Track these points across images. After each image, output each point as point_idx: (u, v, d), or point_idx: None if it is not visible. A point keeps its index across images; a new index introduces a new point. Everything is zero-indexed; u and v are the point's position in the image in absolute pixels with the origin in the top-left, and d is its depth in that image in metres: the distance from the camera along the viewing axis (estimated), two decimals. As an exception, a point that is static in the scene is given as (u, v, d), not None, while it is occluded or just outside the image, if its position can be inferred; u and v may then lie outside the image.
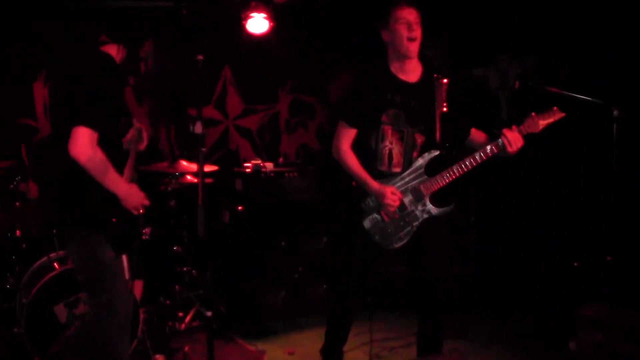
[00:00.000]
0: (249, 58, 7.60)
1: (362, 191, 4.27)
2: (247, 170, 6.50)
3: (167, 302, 5.91)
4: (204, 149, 3.85)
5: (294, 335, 5.93)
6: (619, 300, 5.12)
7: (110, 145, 3.65)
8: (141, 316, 5.07)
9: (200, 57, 3.92)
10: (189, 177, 5.93)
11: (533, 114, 4.08)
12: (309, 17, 7.63)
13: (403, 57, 4.22)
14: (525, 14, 7.05)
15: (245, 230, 6.32)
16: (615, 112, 4.82)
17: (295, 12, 7.43)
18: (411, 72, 4.28)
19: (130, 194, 3.77)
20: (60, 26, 6.49)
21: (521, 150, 4.10)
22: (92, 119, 3.47)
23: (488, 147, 4.07)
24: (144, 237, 5.54)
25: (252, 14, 6.90)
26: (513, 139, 4.00)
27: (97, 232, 3.71)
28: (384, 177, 4.25)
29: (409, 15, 4.16)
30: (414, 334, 4.66)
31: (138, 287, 5.30)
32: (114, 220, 3.76)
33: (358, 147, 4.33)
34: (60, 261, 5.11)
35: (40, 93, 6.49)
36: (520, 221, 7.23)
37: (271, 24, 6.96)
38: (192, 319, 5.89)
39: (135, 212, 3.88)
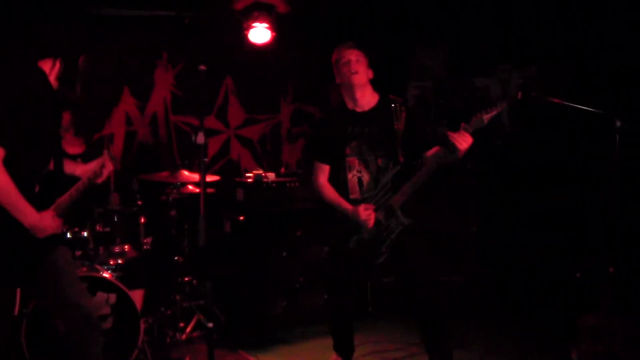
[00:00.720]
0: (251, 68, 7.63)
1: (344, 216, 4.52)
2: (249, 180, 6.50)
3: (168, 312, 5.90)
4: (206, 159, 3.84)
5: (295, 345, 5.91)
6: (619, 310, 5.11)
7: (25, 166, 3.40)
8: (142, 326, 5.06)
9: (202, 67, 3.92)
10: (190, 187, 5.93)
11: (477, 113, 4.18)
12: (311, 27, 7.65)
13: (351, 88, 4.54)
14: (525, 23, 7.06)
15: (247, 239, 6.31)
16: (618, 123, 4.82)
17: (297, 22, 7.46)
18: (365, 102, 4.57)
19: (38, 225, 3.41)
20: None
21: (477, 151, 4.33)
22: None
23: (440, 151, 4.22)
24: (145, 246, 5.55)
25: (255, 24, 6.93)
26: (460, 138, 4.07)
27: None
28: (358, 203, 4.49)
29: (349, 55, 4.53)
30: (415, 345, 4.67)
31: (138, 296, 5.28)
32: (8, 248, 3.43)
33: (333, 179, 4.65)
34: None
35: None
36: (521, 230, 7.22)
37: (273, 34, 6.99)
38: (193, 329, 5.88)
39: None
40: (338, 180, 4.60)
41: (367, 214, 4.39)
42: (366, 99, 4.55)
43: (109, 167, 3.79)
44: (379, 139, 4.48)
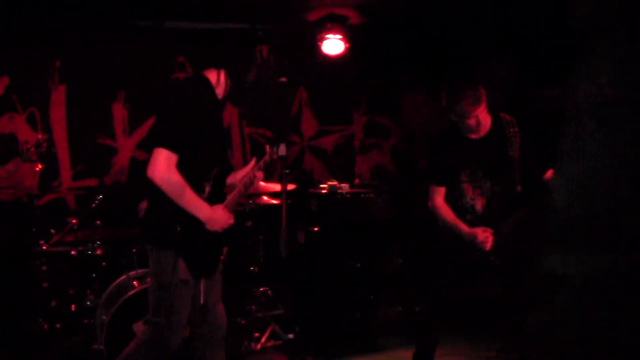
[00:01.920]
0: (324, 79, 7.64)
1: (453, 235, 4.59)
2: (323, 191, 6.50)
3: (243, 321, 5.93)
4: (287, 171, 3.88)
5: (368, 357, 5.88)
6: None
7: (196, 169, 3.65)
8: (218, 335, 5.10)
9: (283, 79, 3.97)
10: (265, 197, 5.96)
11: None
12: (383, 38, 7.63)
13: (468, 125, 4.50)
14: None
15: (320, 251, 6.31)
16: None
17: (370, 33, 7.45)
18: (481, 128, 4.51)
19: (212, 217, 3.68)
20: (139, 47, 6.65)
21: None
22: (171, 141, 3.51)
23: None
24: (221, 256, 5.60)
25: (328, 36, 6.94)
26: None
27: (171, 253, 3.66)
28: (473, 224, 4.55)
29: (476, 112, 4.39)
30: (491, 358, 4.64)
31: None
32: (190, 242, 3.70)
33: (448, 200, 4.69)
34: (140, 279, 5.17)
35: (119, 113, 6.66)
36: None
37: (346, 45, 6.99)
38: (268, 339, 5.89)
39: (220, 231, 3.79)
40: (452, 202, 4.66)
41: (485, 236, 4.46)
42: (481, 125, 4.50)
43: (260, 177, 3.99)
44: (494, 166, 4.53)
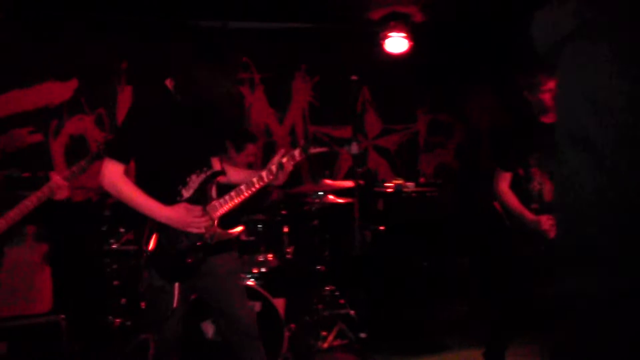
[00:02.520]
0: (387, 78, 7.60)
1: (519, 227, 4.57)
2: (389, 190, 6.47)
3: (310, 320, 5.93)
4: (359, 169, 3.86)
5: (435, 357, 5.83)
6: None
7: (165, 175, 3.68)
8: (286, 334, 5.12)
9: (354, 77, 3.96)
10: (331, 196, 5.94)
11: None
12: (447, 35, 7.57)
13: (547, 109, 4.50)
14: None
15: (386, 250, 6.28)
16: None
17: (433, 31, 7.39)
18: (552, 108, 4.46)
19: (170, 217, 3.60)
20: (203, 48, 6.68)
21: None
22: (115, 151, 3.62)
23: None
24: (287, 255, 5.61)
25: (391, 34, 6.91)
26: None
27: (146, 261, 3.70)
28: (538, 213, 4.49)
29: (549, 80, 4.41)
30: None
31: (280, 305, 5.33)
32: (157, 245, 3.65)
33: (513, 187, 4.66)
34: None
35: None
36: None
37: (410, 43, 6.95)
38: (335, 338, 5.88)
39: (198, 232, 3.68)
40: (518, 189, 4.62)
41: (549, 224, 4.39)
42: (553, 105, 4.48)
43: (289, 169, 3.93)
44: None
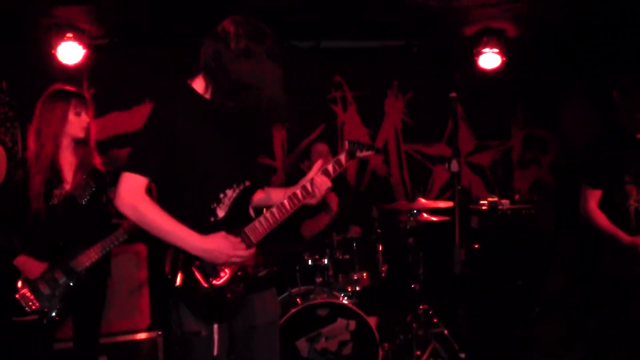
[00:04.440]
0: (480, 93, 7.52)
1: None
2: (483, 207, 6.39)
3: (404, 339, 5.90)
4: (459, 187, 3.79)
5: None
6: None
7: (195, 192, 3.10)
8: (380, 352, 5.11)
9: (453, 94, 3.91)
10: (425, 214, 5.91)
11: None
12: (540, 50, 7.44)
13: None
14: None
15: (482, 268, 6.20)
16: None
17: (526, 46, 7.29)
18: None
19: (204, 249, 3.01)
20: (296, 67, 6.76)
21: None
22: (136, 163, 2.98)
23: None
24: (382, 274, 5.59)
25: (484, 50, 6.84)
26: None
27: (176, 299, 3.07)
28: (636, 233, 4.32)
29: None
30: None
31: (372, 323, 5.32)
32: (177, 280, 3.03)
33: (605, 206, 4.46)
34: (302, 297, 5.23)
35: (279, 134, 6.82)
36: None
37: (503, 58, 6.87)
38: (429, 357, 5.83)
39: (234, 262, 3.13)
40: (611, 207, 4.44)
41: None
42: None
43: (325, 184, 3.40)
44: None
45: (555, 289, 6.34)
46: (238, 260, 3.10)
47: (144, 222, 2.94)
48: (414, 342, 5.83)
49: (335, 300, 5.16)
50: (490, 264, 6.21)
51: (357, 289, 5.46)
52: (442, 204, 5.72)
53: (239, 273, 3.16)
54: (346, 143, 3.53)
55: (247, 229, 3.18)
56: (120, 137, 6.56)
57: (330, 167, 3.43)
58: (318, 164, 3.47)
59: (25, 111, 6.40)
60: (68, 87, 4.41)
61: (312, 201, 3.41)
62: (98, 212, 4.36)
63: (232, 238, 3.08)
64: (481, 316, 6.18)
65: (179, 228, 2.95)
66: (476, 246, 6.21)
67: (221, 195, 3.13)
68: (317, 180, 3.37)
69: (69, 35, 6.09)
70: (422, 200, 5.80)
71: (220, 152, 3.13)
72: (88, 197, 4.29)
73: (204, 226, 3.05)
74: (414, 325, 5.88)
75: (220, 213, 3.13)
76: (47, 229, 4.20)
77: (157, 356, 5.50)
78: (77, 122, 4.27)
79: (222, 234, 3.04)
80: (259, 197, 3.46)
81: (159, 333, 5.51)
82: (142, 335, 5.52)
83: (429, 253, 6.04)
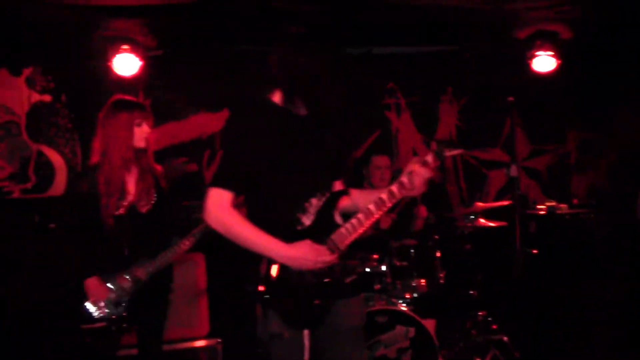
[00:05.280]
0: (536, 98, 7.43)
1: None
2: (541, 212, 6.32)
3: (464, 346, 5.85)
4: (519, 192, 3.73)
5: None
6: None
7: (279, 202, 3.16)
8: (439, 359, 5.07)
9: (511, 98, 3.85)
10: (482, 220, 5.86)
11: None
12: (595, 52, 7.34)
13: None
14: None
15: (540, 273, 6.12)
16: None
17: (581, 48, 7.20)
18: None
19: (289, 257, 3.05)
20: (350, 75, 6.76)
21: None
22: (221, 178, 3.11)
23: None
24: (440, 280, 5.56)
25: (538, 53, 6.78)
26: None
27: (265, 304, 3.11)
28: None
29: None
30: None
31: (431, 330, 5.28)
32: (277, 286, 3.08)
33: None
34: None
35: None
36: None
37: (558, 61, 6.79)
38: (488, 365, 5.78)
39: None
40: None
41: None
42: None
43: (425, 174, 3.18)
44: None
45: (613, 295, 6.22)
46: (323, 266, 3.10)
47: (231, 234, 3.06)
48: (473, 349, 5.79)
49: (394, 307, 5.15)
50: (549, 269, 6.12)
51: (415, 295, 5.44)
52: (500, 204, 5.67)
53: (326, 280, 3.16)
54: (433, 144, 3.44)
55: (333, 236, 3.16)
56: (177, 146, 6.66)
57: (430, 158, 3.20)
58: (412, 162, 3.26)
59: (84, 123, 6.58)
60: (128, 98, 4.49)
61: (413, 193, 3.27)
62: (160, 221, 4.41)
63: (316, 245, 3.09)
64: (541, 322, 6.09)
65: (264, 238, 3.04)
66: (534, 251, 6.11)
67: (306, 205, 3.19)
68: (417, 169, 3.18)
69: (125, 47, 6.20)
70: (479, 204, 5.76)
71: (304, 162, 3.19)
72: (150, 207, 4.35)
73: (291, 235, 3.10)
74: (473, 331, 5.84)
75: (306, 221, 3.18)
76: (112, 239, 4.28)
77: (216, 364, 5.55)
78: (139, 133, 4.34)
79: (307, 241, 3.07)
80: (344, 203, 3.39)
81: (219, 341, 5.55)
82: (201, 343, 5.56)
83: (487, 258, 5.98)
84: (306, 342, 3.06)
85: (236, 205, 3.11)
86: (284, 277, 3.07)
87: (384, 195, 3.20)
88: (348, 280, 3.24)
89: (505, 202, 5.65)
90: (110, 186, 4.23)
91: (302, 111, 3.15)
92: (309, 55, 3.07)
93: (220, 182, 3.08)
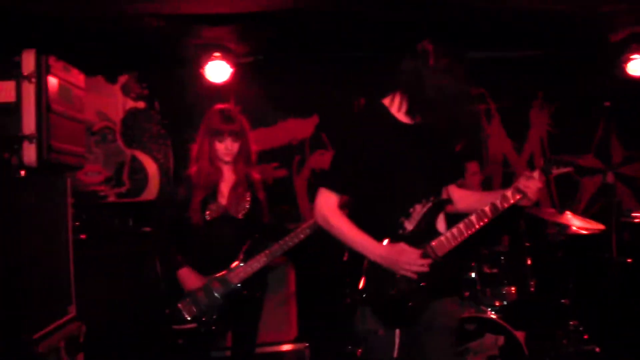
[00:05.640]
0: (631, 102, 7.24)
1: None
2: (636, 220, 6.15)
3: (554, 356, 5.73)
4: (617, 199, 3.64)
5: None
6: None
7: (384, 206, 3.30)
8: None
9: (607, 103, 3.76)
10: (574, 227, 5.74)
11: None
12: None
13: None
14: None
15: (634, 283, 5.98)
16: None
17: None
18: None
19: (385, 257, 3.20)
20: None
21: None
22: (329, 180, 3.33)
23: None
24: (530, 288, 5.48)
25: (633, 56, 6.61)
26: None
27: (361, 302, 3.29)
28: None
29: None
30: None
31: (520, 338, 5.20)
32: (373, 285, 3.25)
33: None
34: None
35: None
36: None
37: (653, 65, 6.62)
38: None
39: (411, 276, 3.19)
40: None
41: None
42: None
43: (535, 184, 3.30)
44: None
45: None
46: (413, 268, 3.19)
47: (333, 231, 3.28)
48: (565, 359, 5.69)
49: (482, 315, 5.10)
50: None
51: (505, 303, 5.38)
52: (592, 225, 5.54)
53: (422, 284, 3.24)
54: (542, 161, 3.50)
55: (433, 243, 3.28)
56: (267, 152, 6.75)
57: (536, 174, 3.34)
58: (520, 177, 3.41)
59: (176, 128, 6.76)
60: (222, 110, 4.51)
61: (527, 203, 3.39)
62: (254, 227, 4.48)
63: (410, 249, 3.20)
64: (634, 333, 5.93)
65: (362, 237, 3.22)
66: (629, 260, 5.97)
67: (410, 210, 3.30)
68: (524, 182, 3.32)
69: (217, 54, 6.32)
70: (570, 214, 5.65)
71: (411, 170, 3.30)
72: (244, 212, 4.42)
73: (392, 238, 3.25)
74: (564, 341, 5.72)
75: (409, 226, 3.29)
76: (204, 243, 4.38)
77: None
78: (223, 150, 4.41)
79: (402, 245, 3.21)
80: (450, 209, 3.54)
81: (306, 345, 5.60)
82: (289, 347, 5.62)
83: (580, 267, 5.86)
84: (397, 340, 3.21)
85: (342, 205, 3.31)
86: (379, 281, 3.23)
87: (487, 208, 3.31)
88: (444, 282, 3.33)
89: (598, 225, 5.51)
90: (203, 192, 4.33)
91: (416, 118, 3.26)
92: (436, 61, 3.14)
93: (328, 183, 3.30)
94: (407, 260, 3.17)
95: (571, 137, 7.15)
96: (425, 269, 3.21)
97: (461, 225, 3.30)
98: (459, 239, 3.30)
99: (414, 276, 3.19)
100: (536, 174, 3.34)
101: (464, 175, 5.73)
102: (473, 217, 3.31)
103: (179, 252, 4.36)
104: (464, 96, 3.25)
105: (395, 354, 3.20)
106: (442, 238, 3.29)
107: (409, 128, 3.29)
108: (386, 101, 3.35)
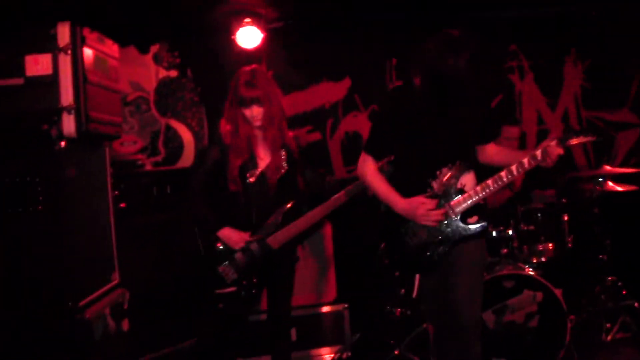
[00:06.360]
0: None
1: None
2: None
3: (592, 312, 5.74)
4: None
5: None
6: None
7: (413, 169, 3.93)
8: (568, 325, 5.00)
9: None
10: (610, 183, 5.70)
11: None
12: None
13: None
14: None
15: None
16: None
17: None
18: None
19: (405, 209, 3.84)
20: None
21: None
22: (367, 145, 4.07)
23: None
24: (568, 244, 5.46)
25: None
26: None
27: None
28: None
29: None
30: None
31: (559, 295, 5.19)
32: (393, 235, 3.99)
33: None
34: (487, 269, 5.15)
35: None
36: None
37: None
38: (618, 331, 5.65)
39: (431, 225, 3.81)
40: None
41: None
42: None
43: (554, 151, 3.68)
44: None
45: None
46: (426, 221, 3.79)
47: (370, 187, 4.08)
48: (603, 315, 5.68)
49: (520, 272, 5.11)
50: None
51: (543, 260, 5.39)
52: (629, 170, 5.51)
53: (438, 237, 3.83)
54: (559, 132, 3.76)
55: (452, 202, 3.81)
56: (299, 116, 6.81)
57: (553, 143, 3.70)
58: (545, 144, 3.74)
59: (209, 95, 6.79)
60: (244, 76, 4.45)
61: (547, 165, 3.75)
62: (291, 190, 4.49)
63: (427, 201, 3.80)
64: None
65: (390, 192, 3.90)
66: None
67: (437, 172, 3.84)
68: (549, 149, 3.69)
69: (247, 20, 6.33)
70: (607, 167, 5.61)
71: (437, 138, 3.81)
72: (280, 175, 4.44)
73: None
74: (602, 297, 5.73)
75: (435, 186, 3.84)
76: (241, 207, 4.40)
77: (343, 328, 5.65)
78: (250, 116, 4.37)
79: (420, 198, 3.81)
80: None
81: (345, 306, 5.65)
82: (327, 308, 5.67)
83: (617, 223, 5.83)
84: (416, 282, 4.20)
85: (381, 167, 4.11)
86: (400, 236, 3.93)
87: (503, 173, 3.78)
88: (468, 232, 3.80)
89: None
90: (241, 158, 4.35)
91: (441, 93, 3.71)
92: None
93: (367, 148, 4.03)
94: (423, 212, 3.76)
95: (605, 92, 7.05)
96: (440, 217, 3.77)
97: (478, 188, 3.80)
98: (475, 199, 3.79)
99: (434, 224, 3.79)
100: (553, 143, 3.72)
101: (499, 134, 5.71)
102: (489, 181, 3.78)
103: (217, 215, 4.39)
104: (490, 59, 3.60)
105: (414, 294, 4.19)
106: (460, 198, 3.80)
107: (433, 101, 3.78)
108: (415, 77, 3.87)
